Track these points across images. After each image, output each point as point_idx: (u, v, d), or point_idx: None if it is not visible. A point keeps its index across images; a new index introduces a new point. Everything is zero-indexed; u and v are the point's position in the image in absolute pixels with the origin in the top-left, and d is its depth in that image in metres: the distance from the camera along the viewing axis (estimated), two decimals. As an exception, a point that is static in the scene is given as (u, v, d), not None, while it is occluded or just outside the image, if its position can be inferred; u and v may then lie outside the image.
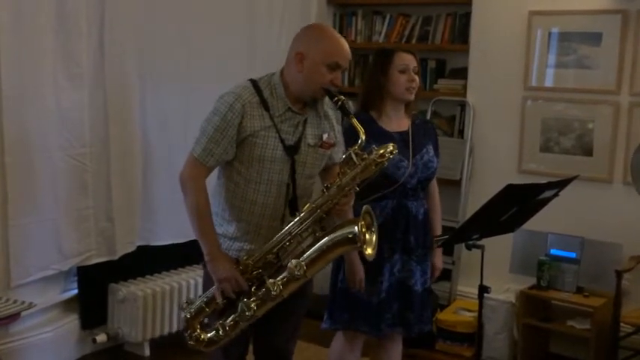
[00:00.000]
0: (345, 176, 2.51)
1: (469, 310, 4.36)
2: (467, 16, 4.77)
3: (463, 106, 4.78)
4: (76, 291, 4.05)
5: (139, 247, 4.16)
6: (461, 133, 4.80)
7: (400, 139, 3.03)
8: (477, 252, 2.90)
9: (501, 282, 4.31)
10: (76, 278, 4.03)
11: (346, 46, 2.61)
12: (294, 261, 2.49)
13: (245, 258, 2.59)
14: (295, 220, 2.55)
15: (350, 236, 2.48)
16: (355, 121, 2.52)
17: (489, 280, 3.01)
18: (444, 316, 4.36)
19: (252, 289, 2.56)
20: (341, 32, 5.27)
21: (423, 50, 4.76)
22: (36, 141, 3.64)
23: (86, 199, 3.89)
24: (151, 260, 4.29)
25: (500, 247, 3.80)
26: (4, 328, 3.59)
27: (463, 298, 4.56)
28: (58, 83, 3.70)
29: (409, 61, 3.04)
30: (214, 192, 2.71)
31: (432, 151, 3.12)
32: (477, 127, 4.69)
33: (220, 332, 2.60)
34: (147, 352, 4.18)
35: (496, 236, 2.97)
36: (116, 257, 4.04)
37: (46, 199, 3.71)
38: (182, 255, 4.39)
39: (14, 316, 3.46)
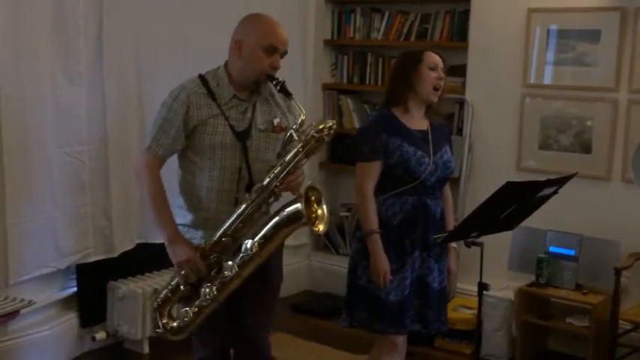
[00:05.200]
0: (288, 154, 2.60)
1: (468, 308, 4.36)
2: (465, 13, 4.76)
3: (462, 103, 4.77)
4: (75, 289, 4.05)
5: (138, 245, 4.16)
6: (460, 130, 4.79)
7: (421, 137, 3.06)
8: (476, 249, 2.90)
9: (500, 279, 4.31)
10: (75, 276, 4.03)
11: (282, 30, 2.70)
12: (247, 241, 2.58)
13: (202, 244, 2.66)
14: (245, 202, 2.62)
15: (296, 213, 2.56)
16: (295, 102, 2.64)
17: (488, 277, 3.01)
18: (443, 313, 4.36)
19: (212, 273, 2.64)
20: (339, 30, 5.32)
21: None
22: (34, 139, 3.63)
23: (84, 196, 3.89)
24: (150, 258, 4.28)
25: (499, 244, 3.80)
26: (3, 325, 3.59)
27: (462, 295, 4.55)
28: (57, 81, 3.70)
29: (438, 60, 3.07)
30: (178, 186, 2.79)
31: (449, 152, 3.14)
32: (475, 124, 4.69)
33: (185, 319, 2.68)
34: (146, 349, 4.18)
35: (495, 234, 2.97)
36: (115, 255, 4.04)
37: (44, 196, 3.71)
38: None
39: (13, 314, 3.46)
